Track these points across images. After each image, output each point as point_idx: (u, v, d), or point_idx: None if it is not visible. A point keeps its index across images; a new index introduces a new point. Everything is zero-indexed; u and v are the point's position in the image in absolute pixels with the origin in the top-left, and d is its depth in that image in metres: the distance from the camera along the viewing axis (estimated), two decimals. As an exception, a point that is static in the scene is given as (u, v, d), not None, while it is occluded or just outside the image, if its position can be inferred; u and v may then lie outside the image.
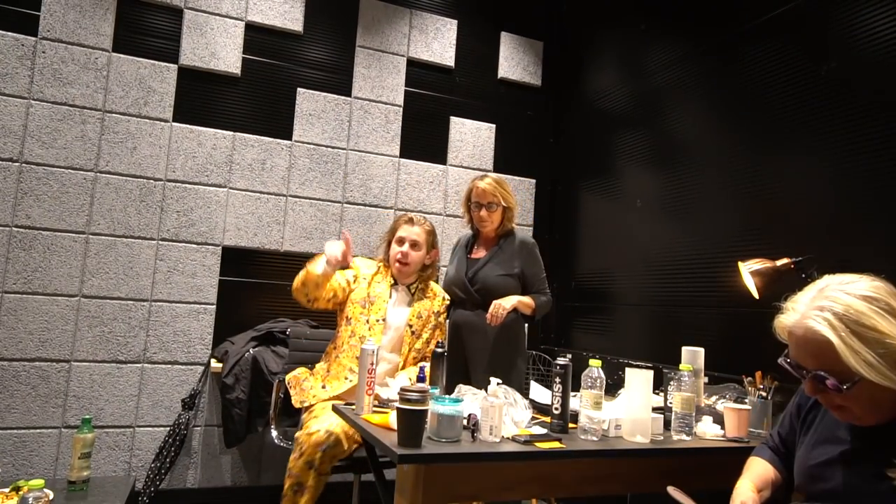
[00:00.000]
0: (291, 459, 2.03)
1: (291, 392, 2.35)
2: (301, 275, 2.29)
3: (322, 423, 2.04)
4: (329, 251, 2.20)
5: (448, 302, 2.50)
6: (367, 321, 2.34)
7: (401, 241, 2.40)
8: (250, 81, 3.11)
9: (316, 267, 2.24)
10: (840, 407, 1.10)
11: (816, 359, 1.07)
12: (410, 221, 2.44)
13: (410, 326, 2.37)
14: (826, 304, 1.06)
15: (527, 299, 2.44)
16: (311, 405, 2.26)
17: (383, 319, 2.35)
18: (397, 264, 2.39)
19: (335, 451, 2.01)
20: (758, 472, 1.35)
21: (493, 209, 2.48)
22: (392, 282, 2.45)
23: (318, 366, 2.44)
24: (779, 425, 1.41)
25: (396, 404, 1.41)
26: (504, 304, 2.32)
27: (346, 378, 2.29)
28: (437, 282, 2.60)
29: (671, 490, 1.38)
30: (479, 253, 2.54)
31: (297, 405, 2.31)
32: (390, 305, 2.40)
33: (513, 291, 2.43)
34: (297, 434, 2.09)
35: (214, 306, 2.96)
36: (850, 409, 1.09)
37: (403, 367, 2.38)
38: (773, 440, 1.41)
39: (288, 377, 2.42)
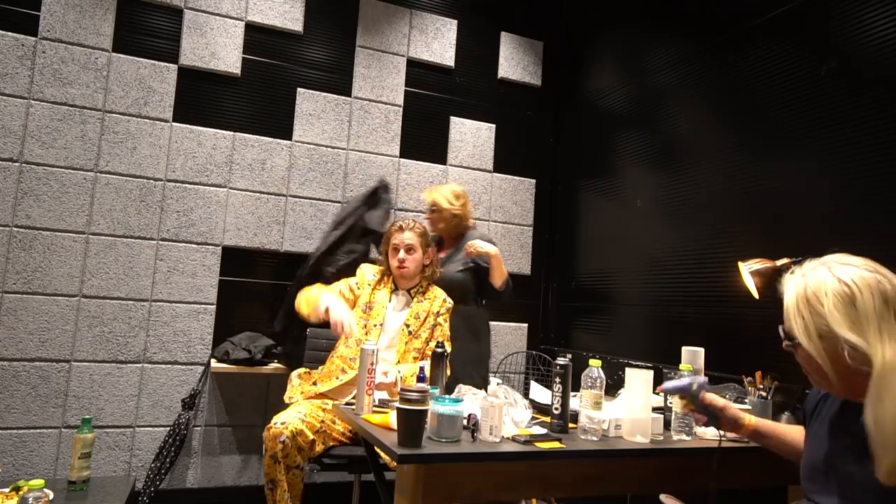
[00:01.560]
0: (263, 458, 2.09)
1: (287, 387, 2.40)
2: (301, 302, 2.35)
3: (280, 416, 2.09)
4: (335, 316, 2.16)
5: (449, 304, 2.52)
6: (365, 325, 2.39)
7: (396, 249, 2.45)
8: (250, 81, 3.11)
9: (318, 307, 2.24)
10: (811, 371, 1.18)
11: (785, 314, 1.19)
12: (401, 229, 2.48)
13: (407, 326, 2.40)
14: (809, 273, 1.17)
15: (493, 248, 2.66)
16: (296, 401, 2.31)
17: (381, 325, 2.39)
18: (398, 271, 2.45)
19: (297, 441, 2.04)
20: (780, 425, 1.41)
21: (437, 212, 2.83)
22: (393, 288, 2.50)
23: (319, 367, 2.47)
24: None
25: (396, 404, 1.41)
26: (483, 247, 2.60)
27: (336, 378, 2.33)
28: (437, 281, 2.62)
29: (664, 498, 1.40)
30: (443, 253, 2.85)
31: (285, 400, 2.36)
32: (388, 310, 2.44)
33: (470, 285, 2.75)
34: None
35: (214, 306, 2.96)
36: (816, 374, 1.16)
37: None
38: None
39: (293, 373, 2.46)
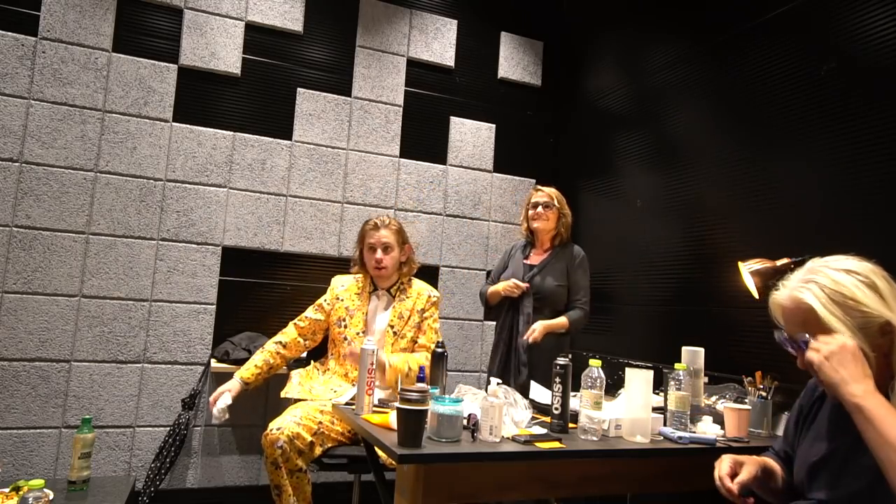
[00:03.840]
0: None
1: (287, 384, 2.42)
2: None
3: (276, 422, 2.10)
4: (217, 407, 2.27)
5: (434, 298, 2.50)
6: (346, 338, 2.39)
7: (373, 248, 2.44)
8: (250, 81, 3.11)
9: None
10: None
11: (803, 326, 1.15)
12: (376, 227, 2.47)
13: (392, 327, 2.40)
14: (811, 277, 1.16)
15: (560, 321, 2.59)
16: (295, 400, 2.34)
17: (363, 332, 2.39)
18: (376, 272, 2.45)
19: (295, 445, 2.05)
20: (757, 458, 1.35)
21: (550, 208, 2.69)
22: (371, 289, 2.50)
23: (314, 366, 2.47)
24: (783, 430, 1.41)
25: (396, 404, 1.41)
26: (537, 333, 2.50)
27: (332, 390, 2.34)
28: (420, 277, 2.62)
29: None
30: (535, 258, 2.73)
31: (281, 395, 2.38)
32: (371, 313, 2.44)
33: (563, 298, 2.65)
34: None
35: (214, 306, 2.96)
36: None
37: None
38: (775, 447, 1.41)
39: (293, 371, 2.49)
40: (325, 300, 2.51)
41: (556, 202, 2.71)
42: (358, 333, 2.38)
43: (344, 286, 2.52)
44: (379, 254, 2.41)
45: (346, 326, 2.42)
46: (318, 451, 2.11)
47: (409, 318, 2.41)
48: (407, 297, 2.45)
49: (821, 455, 1.18)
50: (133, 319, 2.82)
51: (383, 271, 2.43)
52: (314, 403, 2.24)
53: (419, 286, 2.51)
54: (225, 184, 3.02)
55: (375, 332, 2.41)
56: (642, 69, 3.07)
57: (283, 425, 2.06)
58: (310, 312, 2.50)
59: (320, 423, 2.14)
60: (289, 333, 2.47)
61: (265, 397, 3.01)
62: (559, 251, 2.71)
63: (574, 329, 2.64)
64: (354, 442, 2.20)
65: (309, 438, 2.08)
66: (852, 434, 1.13)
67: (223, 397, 2.26)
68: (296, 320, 2.52)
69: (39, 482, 2.06)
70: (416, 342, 2.43)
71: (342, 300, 2.47)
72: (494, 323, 2.88)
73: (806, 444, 1.25)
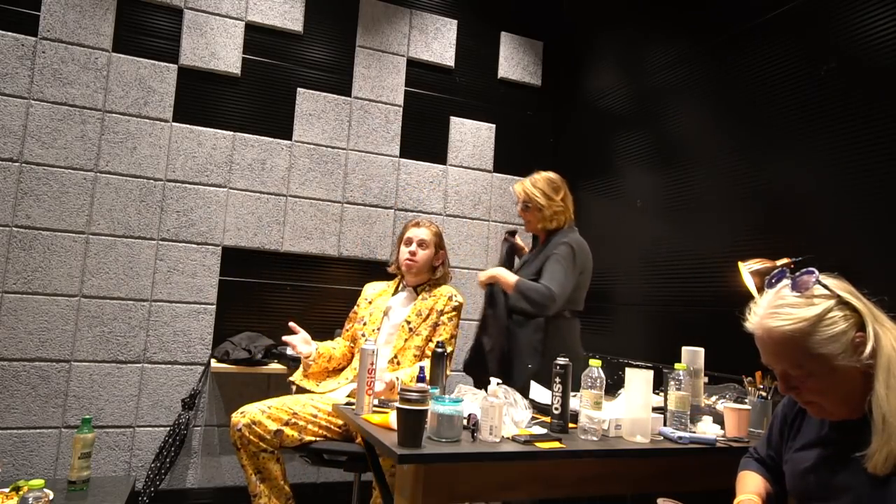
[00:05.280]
0: None
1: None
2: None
3: (244, 407, 2.16)
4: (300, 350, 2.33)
5: (456, 303, 2.47)
6: (364, 335, 2.43)
7: (408, 242, 2.51)
8: (250, 81, 3.11)
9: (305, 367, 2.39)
10: (811, 402, 1.13)
11: (778, 356, 1.12)
12: (417, 224, 2.55)
13: (408, 322, 2.41)
14: (780, 302, 1.13)
15: (510, 277, 2.36)
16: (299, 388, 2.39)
17: (378, 328, 2.43)
18: (406, 264, 2.49)
19: (255, 430, 2.10)
20: (755, 486, 1.33)
21: (528, 209, 2.49)
22: (399, 287, 2.55)
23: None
24: (765, 435, 1.40)
25: (396, 404, 1.41)
26: (485, 274, 2.46)
27: (336, 381, 2.37)
28: (450, 284, 2.59)
29: (661, 501, 1.38)
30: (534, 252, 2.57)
31: (288, 379, 2.44)
32: (392, 309, 2.48)
33: None
34: None
35: (214, 306, 2.96)
36: (819, 403, 1.12)
37: (399, 363, 2.39)
38: (759, 452, 1.40)
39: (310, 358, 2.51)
40: (355, 308, 2.57)
41: (531, 200, 2.45)
42: (374, 329, 2.43)
43: (375, 290, 2.59)
44: (413, 247, 2.49)
45: (365, 324, 2.46)
46: (290, 440, 2.12)
47: (427, 317, 2.43)
48: (430, 297, 2.49)
49: (808, 464, 1.18)
50: (133, 319, 2.82)
51: (413, 265, 2.47)
52: (301, 397, 2.26)
53: (445, 289, 2.52)
54: (225, 184, 3.02)
55: (390, 325, 2.44)
56: (642, 69, 3.07)
57: (247, 411, 2.12)
58: (346, 325, 2.57)
59: (294, 413, 2.14)
60: (340, 342, 2.53)
61: (265, 397, 3.00)
62: (547, 242, 2.46)
63: (519, 291, 2.30)
64: (346, 438, 2.19)
65: (274, 427, 2.10)
66: (839, 444, 1.13)
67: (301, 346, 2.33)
68: (342, 334, 2.58)
69: (39, 482, 2.06)
70: (430, 341, 2.43)
71: (370, 301, 2.54)
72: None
73: (794, 452, 1.24)
